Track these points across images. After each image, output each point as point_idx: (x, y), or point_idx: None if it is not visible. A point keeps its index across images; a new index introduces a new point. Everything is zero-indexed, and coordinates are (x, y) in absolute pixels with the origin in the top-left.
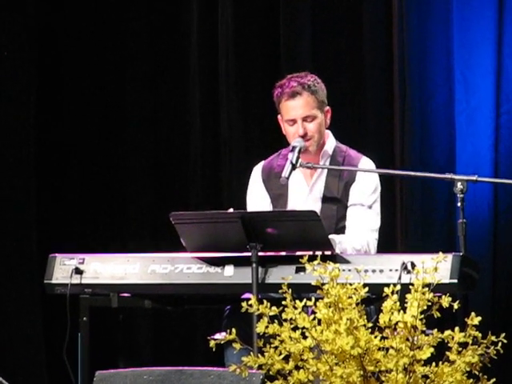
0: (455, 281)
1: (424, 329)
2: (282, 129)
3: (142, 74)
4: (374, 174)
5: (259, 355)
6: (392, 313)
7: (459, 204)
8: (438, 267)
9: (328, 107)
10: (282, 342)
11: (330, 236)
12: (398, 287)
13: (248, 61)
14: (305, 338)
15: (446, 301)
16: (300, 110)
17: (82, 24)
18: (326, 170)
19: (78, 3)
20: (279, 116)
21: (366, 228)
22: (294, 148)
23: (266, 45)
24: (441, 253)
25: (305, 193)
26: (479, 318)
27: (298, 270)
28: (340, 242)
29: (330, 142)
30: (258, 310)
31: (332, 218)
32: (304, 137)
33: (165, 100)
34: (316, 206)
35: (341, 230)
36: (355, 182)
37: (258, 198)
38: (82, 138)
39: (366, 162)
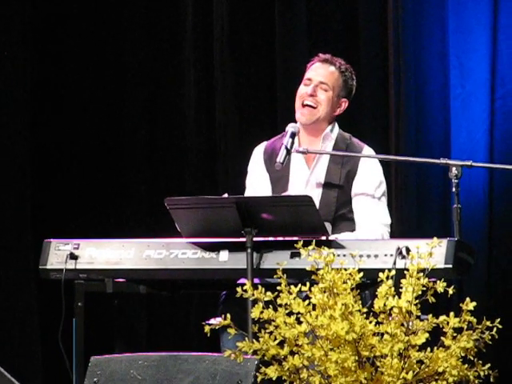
0: (450, 266)
1: (419, 314)
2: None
3: (138, 65)
4: (377, 167)
5: (254, 340)
6: (387, 298)
7: (454, 189)
8: (432, 252)
9: (346, 100)
10: (276, 327)
11: (346, 233)
12: (393, 272)
13: (243, 48)
14: (300, 323)
15: (440, 286)
16: (322, 74)
17: (78, 22)
18: (327, 156)
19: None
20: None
21: (378, 221)
22: (288, 133)
23: (260, 31)
24: (435, 238)
25: (305, 177)
26: (474, 304)
27: (292, 256)
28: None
29: (335, 128)
30: (253, 295)
31: (332, 204)
32: (311, 96)
33: (160, 88)
34: (316, 192)
35: (340, 218)
36: (358, 173)
37: (257, 179)
38: (77, 125)
39: (368, 152)
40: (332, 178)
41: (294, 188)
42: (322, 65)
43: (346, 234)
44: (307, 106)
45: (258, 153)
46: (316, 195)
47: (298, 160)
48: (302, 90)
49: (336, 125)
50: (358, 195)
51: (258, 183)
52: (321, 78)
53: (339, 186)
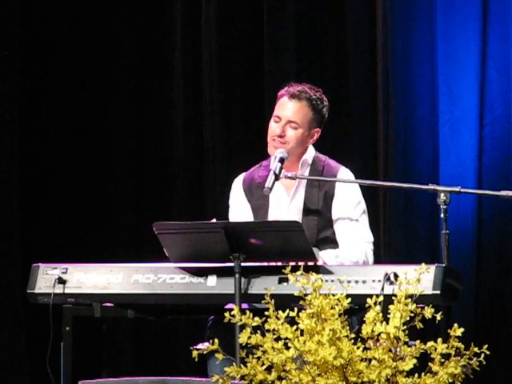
0: (438, 292)
1: (407, 340)
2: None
3: (125, 81)
4: (354, 187)
5: (242, 365)
6: (375, 324)
7: (442, 215)
8: (420, 278)
9: (319, 129)
10: (264, 352)
11: (328, 251)
12: (381, 298)
13: (232, 69)
14: (287, 348)
15: (428, 312)
16: (290, 112)
17: (65, 26)
18: (305, 181)
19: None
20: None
21: (360, 239)
22: (276, 158)
23: (249, 52)
24: (424, 264)
25: (285, 204)
26: (462, 330)
27: (280, 281)
28: (337, 256)
29: (310, 152)
30: (241, 320)
31: (313, 228)
32: (280, 138)
33: (147, 110)
34: (297, 218)
35: (323, 241)
36: (335, 195)
37: (239, 210)
38: (64, 146)
39: (344, 172)
40: (311, 203)
41: (275, 216)
42: (290, 101)
43: (329, 250)
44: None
45: (238, 184)
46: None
47: (277, 188)
48: (272, 127)
49: (311, 148)
50: (338, 219)
51: (240, 213)
52: (289, 116)
53: (318, 209)
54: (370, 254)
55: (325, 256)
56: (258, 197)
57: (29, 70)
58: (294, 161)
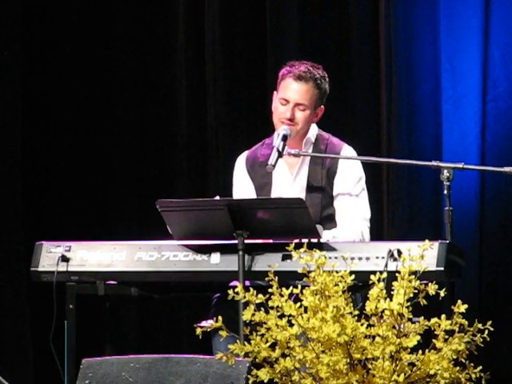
0: (442, 268)
1: (410, 316)
2: (272, 105)
3: (129, 67)
4: (356, 163)
5: (246, 343)
6: (378, 300)
7: (446, 192)
8: (424, 255)
9: (322, 106)
10: (268, 329)
11: (324, 231)
12: (385, 275)
13: (235, 50)
14: (291, 325)
15: (432, 288)
16: (298, 94)
17: (67, 24)
18: (308, 158)
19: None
20: (275, 92)
21: (357, 217)
22: (279, 135)
23: (252, 35)
24: (427, 240)
25: (289, 181)
26: (466, 306)
27: (284, 258)
28: (334, 237)
29: (313, 130)
30: (245, 297)
31: (317, 206)
32: (290, 121)
33: (151, 90)
34: (300, 195)
35: (326, 218)
36: (338, 172)
37: (243, 188)
38: (68, 127)
39: (347, 150)
40: (314, 180)
41: (278, 194)
42: (297, 84)
43: (326, 231)
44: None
45: (241, 162)
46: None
47: (280, 167)
48: (280, 110)
49: (314, 126)
50: (338, 195)
51: (244, 192)
52: (297, 98)
53: (322, 186)
54: (366, 232)
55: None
56: (261, 175)
57: (33, 46)
58: (297, 139)
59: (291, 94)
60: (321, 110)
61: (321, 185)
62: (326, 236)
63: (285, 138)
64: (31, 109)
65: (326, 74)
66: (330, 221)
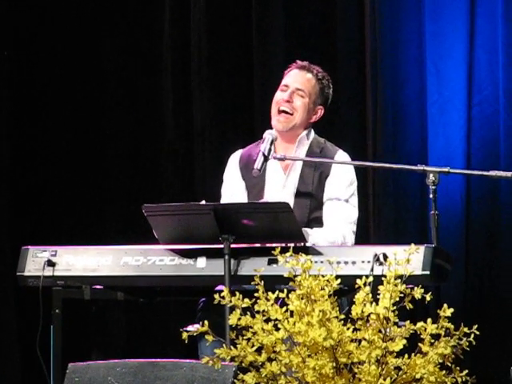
0: (427, 272)
1: (396, 320)
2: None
3: (116, 69)
4: (349, 168)
5: (232, 347)
6: (364, 304)
7: (431, 195)
8: (410, 259)
9: (322, 108)
10: (254, 333)
11: (305, 229)
12: (371, 279)
13: (220, 52)
14: (277, 329)
15: (418, 292)
16: (299, 81)
17: (57, 20)
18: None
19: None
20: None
21: (342, 221)
22: (266, 139)
23: (238, 37)
24: (413, 244)
25: (281, 183)
26: (451, 310)
27: (270, 262)
28: (311, 235)
29: (310, 133)
30: (231, 301)
31: (305, 208)
32: (287, 102)
33: (137, 94)
34: (291, 197)
35: (314, 221)
36: (330, 176)
37: (233, 186)
38: (57, 131)
39: (342, 155)
40: (306, 183)
41: (270, 194)
42: (299, 71)
43: (305, 228)
44: (283, 112)
45: (234, 160)
46: (291, 200)
47: (274, 166)
48: (279, 96)
49: (312, 130)
50: (328, 199)
51: (233, 191)
52: (298, 84)
53: (312, 189)
54: (349, 236)
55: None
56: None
57: (22, 47)
58: (294, 135)
59: (292, 80)
60: (320, 110)
61: (311, 188)
62: (306, 231)
63: (271, 142)
64: (20, 113)
65: (331, 80)
66: (317, 223)
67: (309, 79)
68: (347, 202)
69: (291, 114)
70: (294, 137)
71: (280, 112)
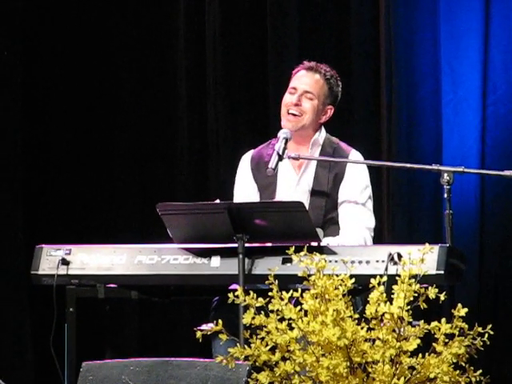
0: (442, 272)
1: (410, 320)
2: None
3: (129, 67)
4: (363, 171)
5: (246, 346)
6: (378, 304)
7: (446, 195)
8: (424, 258)
9: (332, 107)
10: (268, 333)
11: (328, 238)
12: (385, 278)
13: (235, 52)
14: (291, 329)
15: (432, 292)
16: (306, 83)
17: (67, 22)
18: (315, 161)
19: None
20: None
21: (361, 225)
22: (280, 138)
23: (253, 36)
24: (427, 244)
25: (293, 183)
26: (466, 310)
27: (284, 261)
28: (339, 245)
29: (322, 133)
30: (245, 301)
31: (321, 209)
32: (296, 106)
33: (152, 92)
34: (304, 197)
35: (329, 222)
36: (345, 178)
37: (245, 187)
38: (69, 129)
39: (355, 155)
40: (320, 183)
41: (282, 195)
42: (306, 73)
43: (330, 238)
44: (292, 114)
45: (245, 162)
46: (305, 201)
47: (286, 167)
48: (287, 99)
49: (323, 130)
50: (343, 202)
51: (245, 192)
52: (306, 86)
53: (327, 190)
54: (369, 241)
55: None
56: (265, 175)
57: (32, 48)
58: (306, 137)
59: (299, 82)
60: (330, 109)
61: (326, 188)
62: (331, 244)
63: (285, 141)
64: (31, 111)
65: (339, 79)
66: (332, 224)
67: (317, 80)
68: (364, 205)
69: (300, 116)
70: (304, 138)
71: (289, 114)
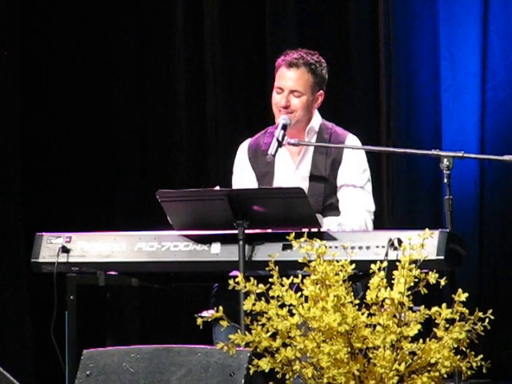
0: (442, 257)
1: (411, 305)
2: (272, 103)
3: (128, 55)
4: (361, 155)
5: (246, 333)
6: (379, 289)
7: (445, 180)
8: (424, 244)
9: (322, 92)
10: (269, 319)
11: (329, 218)
12: (385, 264)
13: (234, 39)
14: (292, 315)
15: (432, 277)
16: (291, 81)
17: (67, 21)
18: (312, 147)
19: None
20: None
21: (361, 208)
22: (279, 125)
23: (251, 24)
24: (427, 229)
25: (291, 170)
26: (466, 295)
27: (284, 248)
28: (340, 225)
29: (316, 119)
30: (245, 287)
31: (319, 195)
32: (286, 108)
33: (151, 79)
34: (303, 184)
35: (328, 207)
36: (342, 162)
37: (243, 176)
38: (69, 118)
39: (352, 139)
40: (318, 170)
41: (280, 183)
42: (288, 71)
43: (332, 217)
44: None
45: (242, 150)
46: (304, 188)
47: (283, 155)
48: (276, 99)
49: (318, 116)
50: (342, 186)
51: (243, 181)
52: (291, 85)
53: (325, 176)
54: (369, 223)
55: (327, 223)
56: (263, 163)
57: (31, 45)
58: (300, 128)
59: (284, 82)
60: (321, 95)
61: (324, 174)
62: (332, 223)
63: (285, 128)
64: (31, 100)
65: (322, 59)
66: (332, 210)
67: (300, 75)
68: (363, 188)
69: (291, 113)
70: (299, 128)
71: (281, 112)
